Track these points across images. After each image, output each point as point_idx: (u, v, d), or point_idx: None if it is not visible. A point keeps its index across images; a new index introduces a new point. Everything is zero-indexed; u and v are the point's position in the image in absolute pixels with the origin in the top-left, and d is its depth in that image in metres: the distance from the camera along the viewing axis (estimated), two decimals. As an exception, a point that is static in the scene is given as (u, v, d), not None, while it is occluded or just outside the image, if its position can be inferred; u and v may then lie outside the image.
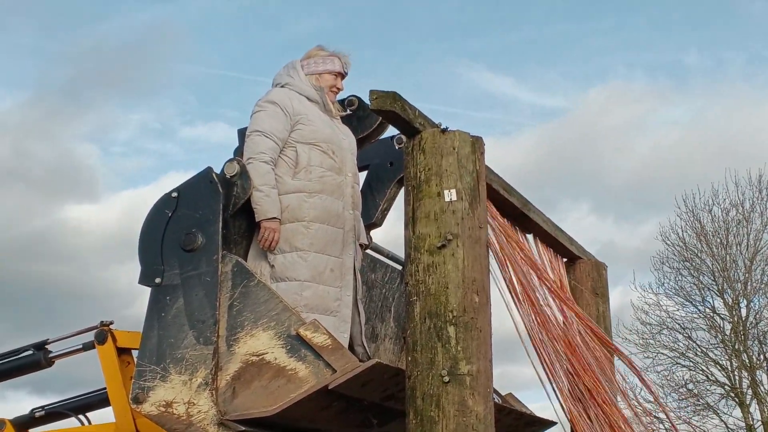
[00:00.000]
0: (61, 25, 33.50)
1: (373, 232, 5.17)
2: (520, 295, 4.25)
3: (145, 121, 35.38)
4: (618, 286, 20.23)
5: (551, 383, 4.46)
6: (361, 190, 4.79)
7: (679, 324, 19.76)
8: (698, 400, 19.35)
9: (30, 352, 5.16)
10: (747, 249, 19.43)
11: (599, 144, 28.64)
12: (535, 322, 4.33)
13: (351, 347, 4.45)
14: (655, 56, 30.65)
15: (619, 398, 4.76)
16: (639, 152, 27.24)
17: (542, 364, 4.40)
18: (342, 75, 4.69)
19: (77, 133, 33.58)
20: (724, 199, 19.83)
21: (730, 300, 19.44)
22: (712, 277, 19.59)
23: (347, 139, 4.63)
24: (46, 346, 5.15)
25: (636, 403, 4.52)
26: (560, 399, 4.44)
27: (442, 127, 3.61)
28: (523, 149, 29.33)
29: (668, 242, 20.09)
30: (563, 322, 4.53)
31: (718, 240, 19.68)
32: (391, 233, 5.30)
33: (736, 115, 27.68)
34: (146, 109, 35.56)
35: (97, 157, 33.99)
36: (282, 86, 4.57)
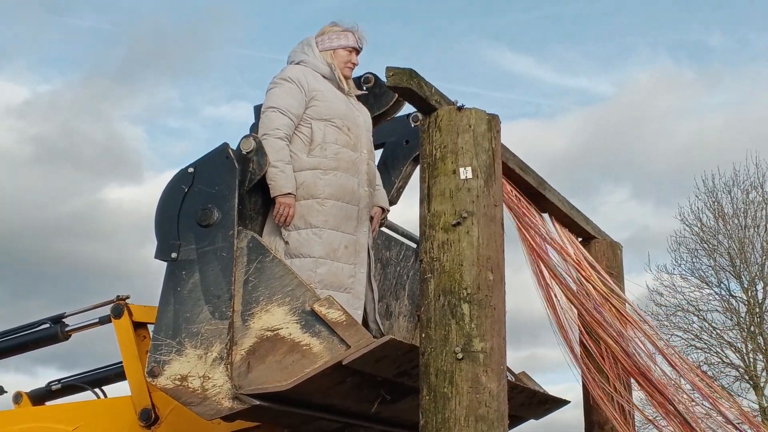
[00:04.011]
0: (116, 6, 33.75)
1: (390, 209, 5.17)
2: (545, 275, 4.26)
3: (192, 104, 35.58)
4: (650, 270, 20.20)
5: (574, 357, 4.47)
6: (376, 168, 4.78)
7: (693, 306, 19.71)
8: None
9: (47, 325, 5.21)
10: (765, 231, 19.32)
11: (632, 129, 28.46)
12: (561, 300, 4.35)
13: (365, 324, 4.47)
14: (677, 36, 30.41)
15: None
16: (680, 138, 27.07)
17: (564, 339, 4.41)
18: (357, 50, 4.67)
19: (127, 114, 33.91)
20: (744, 181, 19.72)
21: (747, 282, 19.35)
22: (728, 259, 19.50)
23: (362, 115, 4.62)
24: (63, 320, 5.19)
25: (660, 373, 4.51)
26: (584, 374, 4.45)
27: (458, 104, 3.60)
28: (553, 131, 29.27)
29: (686, 223, 20.01)
30: (584, 299, 4.53)
31: (736, 221, 19.58)
32: (405, 213, 5.32)
33: (756, 94, 27.48)
34: (195, 91, 35.73)
35: (144, 139, 34.33)
36: (297, 63, 4.57)
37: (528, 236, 4.28)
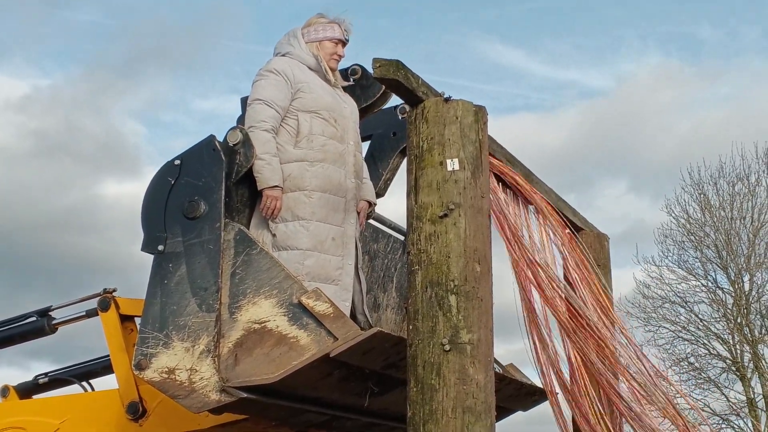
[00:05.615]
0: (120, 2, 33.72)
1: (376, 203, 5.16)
2: (522, 267, 4.24)
3: (191, 99, 35.59)
4: (638, 262, 20.31)
5: (539, 356, 4.42)
6: (364, 160, 4.78)
7: (681, 297, 19.79)
8: (699, 374, 19.41)
9: (34, 318, 5.19)
10: (751, 223, 19.42)
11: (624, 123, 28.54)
12: (536, 294, 4.33)
13: (353, 316, 4.47)
14: (667, 28, 30.50)
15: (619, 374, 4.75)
16: (677, 132, 27.18)
17: (532, 337, 4.37)
18: (343, 42, 4.67)
19: (126, 109, 33.91)
20: (730, 173, 19.80)
21: (733, 274, 19.44)
22: (715, 251, 19.59)
23: (349, 107, 4.62)
24: (50, 313, 5.17)
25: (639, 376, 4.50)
26: (545, 371, 4.42)
27: (445, 96, 3.60)
28: (551, 125, 29.35)
29: (673, 215, 20.09)
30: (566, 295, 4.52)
31: (723, 213, 19.66)
32: (398, 209, 5.32)
33: (753, 89, 27.61)
34: (195, 85, 35.75)
35: (143, 134, 34.38)
36: (283, 55, 4.56)
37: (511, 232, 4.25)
